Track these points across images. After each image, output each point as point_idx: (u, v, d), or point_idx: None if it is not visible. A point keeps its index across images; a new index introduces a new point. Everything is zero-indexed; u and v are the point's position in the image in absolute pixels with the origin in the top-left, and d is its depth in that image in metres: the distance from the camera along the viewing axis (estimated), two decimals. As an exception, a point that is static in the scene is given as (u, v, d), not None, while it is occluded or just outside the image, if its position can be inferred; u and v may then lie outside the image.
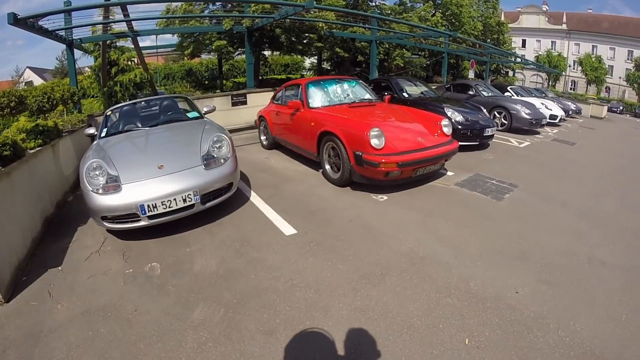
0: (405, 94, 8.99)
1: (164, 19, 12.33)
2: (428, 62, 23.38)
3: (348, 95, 6.48)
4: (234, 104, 10.21)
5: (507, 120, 10.54)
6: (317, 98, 6.16)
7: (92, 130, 5.51)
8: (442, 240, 3.79)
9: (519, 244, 3.75)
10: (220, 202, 4.30)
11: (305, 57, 24.83)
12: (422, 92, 9.46)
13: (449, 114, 7.57)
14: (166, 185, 3.86)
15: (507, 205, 4.85)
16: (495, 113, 10.72)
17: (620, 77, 48.40)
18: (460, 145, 5.84)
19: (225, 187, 4.33)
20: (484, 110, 8.92)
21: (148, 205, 3.72)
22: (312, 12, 11.32)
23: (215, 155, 4.37)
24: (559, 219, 4.47)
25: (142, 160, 4.30)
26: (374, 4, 18.82)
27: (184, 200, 3.88)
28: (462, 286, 3.00)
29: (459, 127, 7.49)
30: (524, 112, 10.35)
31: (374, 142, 4.60)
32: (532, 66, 38.12)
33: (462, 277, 3.13)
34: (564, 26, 51.27)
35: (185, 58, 21.94)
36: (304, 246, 3.70)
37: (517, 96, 14.06)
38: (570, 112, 18.03)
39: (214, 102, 9.35)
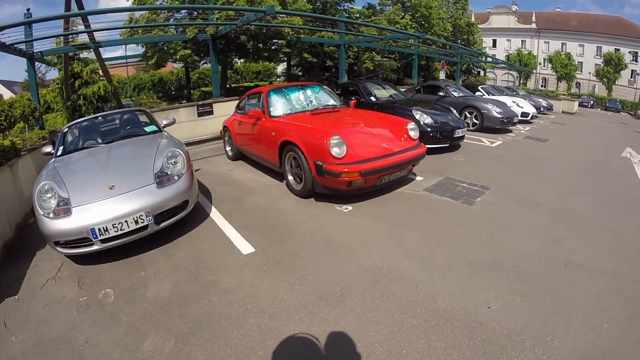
0: (373, 98, 8.77)
1: (129, 29, 11.95)
2: (398, 65, 23.46)
3: (311, 101, 6.25)
4: (200, 114, 9.88)
5: (478, 120, 10.50)
6: (278, 106, 5.92)
7: (49, 149, 5.23)
8: (409, 253, 3.56)
9: (491, 251, 3.56)
10: (176, 221, 4.05)
11: (276, 64, 24.67)
12: (390, 95, 9.28)
13: (417, 116, 7.41)
14: (116, 207, 3.64)
15: (479, 209, 4.67)
16: (467, 113, 10.68)
17: (590, 73, 49.84)
18: (430, 147, 5.70)
19: (181, 205, 4.09)
20: (454, 111, 8.83)
21: (99, 229, 3.50)
22: (278, 18, 11.11)
23: (169, 172, 4.14)
24: (532, 222, 4.31)
25: (94, 180, 4.05)
26: (342, 8, 18.74)
27: (136, 222, 3.66)
28: (429, 304, 2.77)
29: (428, 129, 7.33)
30: (495, 111, 10.35)
31: (335, 150, 4.36)
32: (503, 65, 38.92)
33: (428, 293, 2.91)
34: (534, 25, 52.68)
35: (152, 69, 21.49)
36: (261, 266, 3.45)
37: (488, 95, 14.16)
38: (542, 109, 18.35)
39: (180, 113, 9.12)
